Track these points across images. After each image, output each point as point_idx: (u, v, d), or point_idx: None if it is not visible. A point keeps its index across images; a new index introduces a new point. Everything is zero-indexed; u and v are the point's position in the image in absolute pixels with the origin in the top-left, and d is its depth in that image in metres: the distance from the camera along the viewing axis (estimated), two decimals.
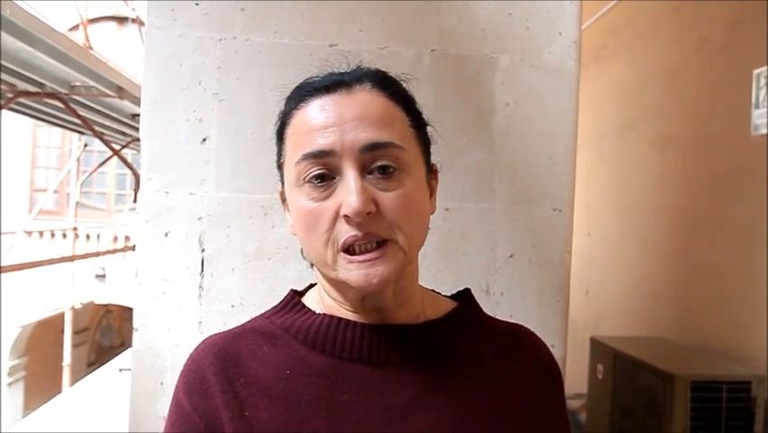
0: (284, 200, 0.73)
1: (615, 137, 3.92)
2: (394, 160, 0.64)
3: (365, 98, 0.66)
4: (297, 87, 0.70)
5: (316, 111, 0.66)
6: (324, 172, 0.64)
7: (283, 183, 0.72)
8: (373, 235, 0.63)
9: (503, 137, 1.32)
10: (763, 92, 2.51)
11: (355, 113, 0.64)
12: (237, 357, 0.70)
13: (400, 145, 0.65)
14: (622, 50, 3.88)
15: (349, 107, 0.65)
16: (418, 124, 0.71)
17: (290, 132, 0.69)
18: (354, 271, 0.63)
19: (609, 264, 3.93)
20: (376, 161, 0.64)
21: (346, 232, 0.63)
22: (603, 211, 4.03)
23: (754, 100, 2.56)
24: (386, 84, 0.69)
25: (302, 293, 0.79)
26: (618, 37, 3.91)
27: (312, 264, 0.73)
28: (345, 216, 0.62)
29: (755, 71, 2.55)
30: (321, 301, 0.74)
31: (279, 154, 0.72)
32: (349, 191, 0.62)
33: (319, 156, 0.64)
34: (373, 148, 0.63)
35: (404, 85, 0.73)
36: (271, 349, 0.70)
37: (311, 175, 0.64)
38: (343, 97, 0.66)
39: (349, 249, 0.63)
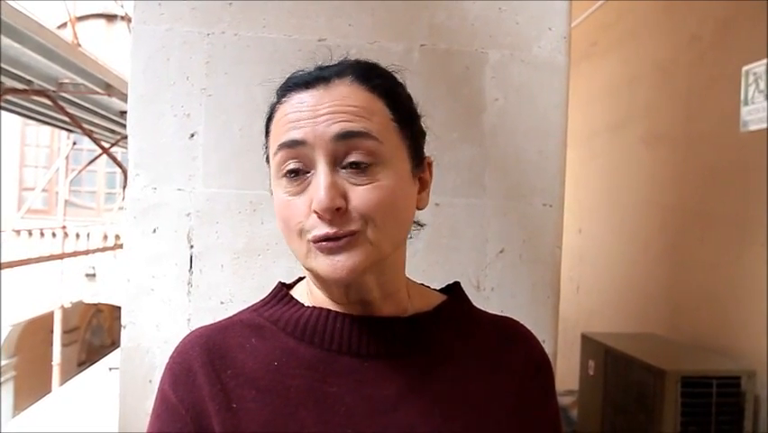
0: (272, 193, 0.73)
1: (606, 134, 3.93)
2: (368, 152, 0.64)
3: (343, 91, 0.66)
4: (283, 82, 0.71)
5: (294, 105, 0.66)
6: (299, 167, 0.64)
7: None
8: (344, 231, 0.62)
9: (493, 132, 1.32)
10: (752, 89, 2.52)
11: (330, 105, 0.65)
12: (224, 349, 0.69)
13: (375, 137, 0.64)
14: (613, 47, 3.89)
15: (325, 101, 0.65)
16: (403, 117, 0.70)
17: (272, 125, 0.69)
18: (323, 260, 0.64)
19: (600, 261, 3.95)
20: (349, 154, 0.63)
21: (317, 228, 0.63)
22: (594, 208, 4.04)
23: (743, 97, 2.57)
24: (368, 77, 0.68)
25: (290, 286, 0.79)
26: (609, 34, 3.92)
27: None
28: (315, 211, 0.62)
29: (745, 68, 2.56)
30: (311, 294, 0.74)
31: (266, 147, 0.72)
32: (318, 187, 0.62)
33: (291, 146, 0.64)
34: (345, 137, 0.63)
35: (396, 77, 0.72)
36: (259, 341, 0.70)
37: (286, 169, 0.65)
38: (321, 92, 0.66)
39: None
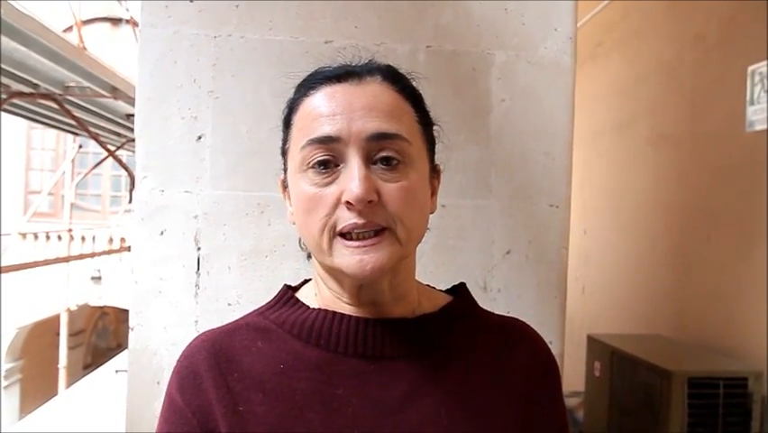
0: (285, 188, 0.73)
1: (611, 135, 3.93)
2: (399, 152, 0.65)
3: (375, 90, 0.67)
4: (308, 76, 0.71)
5: (325, 98, 0.66)
6: (329, 159, 0.64)
7: (286, 170, 0.72)
8: (373, 224, 0.63)
9: (499, 133, 1.32)
10: (758, 88, 2.51)
11: (364, 102, 0.65)
12: (230, 352, 0.69)
13: (407, 138, 0.66)
14: (618, 48, 3.88)
15: (359, 97, 0.65)
16: (425, 121, 0.72)
17: (297, 118, 0.69)
18: (349, 256, 0.63)
19: (606, 262, 3.94)
20: (381, 152, 0.64)
21: (346, 219, 0.63)
22: (599, 209, 4.03)
23: (748, 97, 2.56)
24: (396, 79, 0.70)
25: (296, 288, 0.78)
26: (614, 34, 3.91)
27: (309, 255, 0.73)
28: (347, 202, 0.62)
29: (750, 68, 2.56)
30: (318, 294, 0.74)
31: (285, 140, 0.72)
32: (352, 178, 0.62)
33: (325, 142, 0.64)
34: (380, 138, 0.64)
35: (413, 83, 0.73)
36: (265, 344, 0.70)
37: (315, 160, 0.65)
38: (354, 87, 0.66)
39: (346, 235, 0.64)
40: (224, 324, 0.74)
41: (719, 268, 2.76)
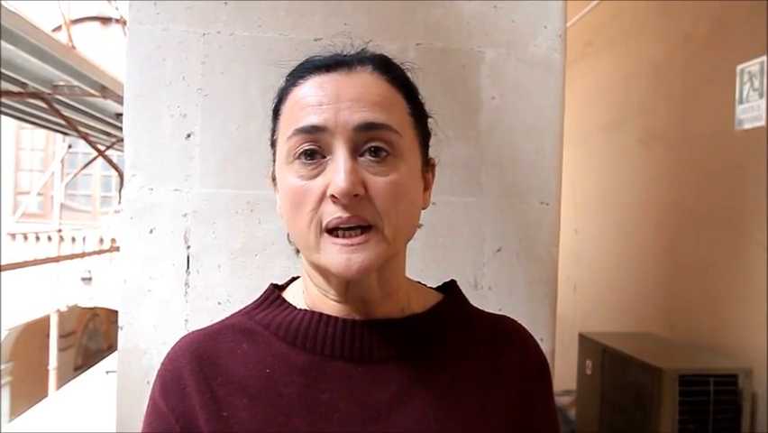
0: (274, 180, 0.71)
1: (601, 134, 3.94)
2: (388, 143, 0.63)
3: (365, 79, 0.65)
4: (298, 65, 0.69)
5: (313, 88, 0.64)
6: (315, 149, 0.63)
7: (275, 162, 0.70)
8: (358, 219, 0.61)
9: (489, 131, 1.32)
10: (747, 87, 2.53)
11: (353, 92, 0.63)
12: (215, 356, 0.68)
13: (396, 129, 0.64)
14: (607, 48, 3.90)
15: (347, 86, 0.64)
16: (418, 113, 0.70)
17: (285, 108, 0.67)
18: (336, 254, 0.62)
19: (597, 261, 3.95)
20: (369, 143, 0.62)
21: (331, 213, 0.61)
22: (590, 208, 4.05)
23: (738, 95, 2.58)
24: (388, 69, 0.68)
25: (283, 287, 0.77)
26: (604, 34, 3.93)
27: (298, 251, 0.71)
28: (332, 195, 0.60)
29: (739, 67, 2.57)
30: (305, 292, 0.72)
31: (273, 131, 0.70)
32: (337, 171, 0.60)
33: (311, 132, 0.62)
34: (367, 128, 0.62)
35: (408, 73, 0.72)
36: (251, 347, 0.69)
37: (301, 151, 0.63)
38: (343, 77, 0.65)
39: (333, 231, 0.62)
40: (210, 324, 0.73)
41: (710, 266, 2.78)
